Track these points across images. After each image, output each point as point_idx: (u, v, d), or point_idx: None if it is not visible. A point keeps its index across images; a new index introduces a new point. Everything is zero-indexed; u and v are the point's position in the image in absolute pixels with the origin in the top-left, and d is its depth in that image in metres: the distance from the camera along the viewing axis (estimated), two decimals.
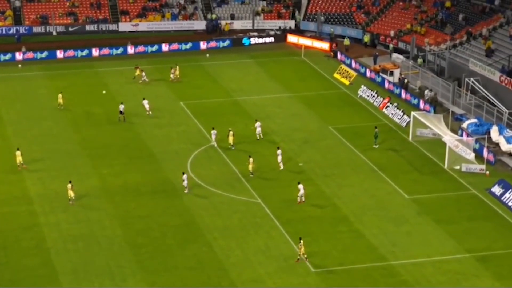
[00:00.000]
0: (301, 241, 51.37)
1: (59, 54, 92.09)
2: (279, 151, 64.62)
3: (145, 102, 75.33)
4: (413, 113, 71.80)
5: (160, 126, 73.39)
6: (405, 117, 74.42)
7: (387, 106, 77.63)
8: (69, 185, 58.35)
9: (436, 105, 77.10)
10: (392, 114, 76.42)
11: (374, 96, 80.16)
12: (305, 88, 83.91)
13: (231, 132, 68.53)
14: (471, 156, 65.35)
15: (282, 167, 64.37)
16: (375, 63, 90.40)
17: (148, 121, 74.18)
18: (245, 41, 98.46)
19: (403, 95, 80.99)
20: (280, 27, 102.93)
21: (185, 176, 60.44)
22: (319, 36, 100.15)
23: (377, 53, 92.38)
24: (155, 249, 53.33)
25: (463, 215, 58.61)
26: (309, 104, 79.55)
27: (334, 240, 54.97)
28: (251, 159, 63.73)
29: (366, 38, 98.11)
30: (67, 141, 69.76)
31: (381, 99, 79.10)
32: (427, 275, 51.02)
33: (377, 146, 69.03)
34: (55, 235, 54.82)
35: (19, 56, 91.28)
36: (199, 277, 50.43)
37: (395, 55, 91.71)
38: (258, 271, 51.08)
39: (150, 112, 74.91)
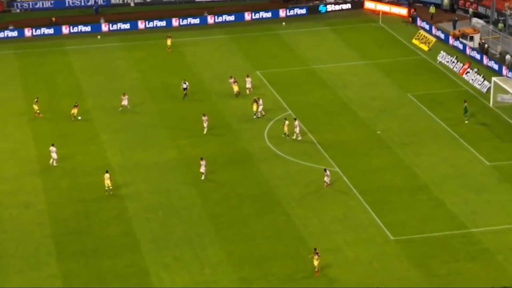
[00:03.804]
0: (317, 252, 48.08)
1: (138, 25, 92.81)
2: (296, 122, 63.92)
3: (125, 98, 70.82)
4: (493, 78, 70.40)
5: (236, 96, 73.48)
6: (486, 82, 72.98)
7: (467, 72, 76.20)
8: (107, 175, 57.08)
9: None
10: (472, 80, 75.01)
11: (453, 62, 78.76)
12: (383, 55, 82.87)
13: (259, 101, 68.21)
14: None
15: (300, 137, 63.88)
16: (454, 28, 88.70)
17: (225, 91, 74.28)
18: (321, 8, 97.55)
19: (484, 60, 79.37)
20: None
21: (203, 162, 58.77)
22: (397, 2, 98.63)
23: (456, 18, 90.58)
24: (232, 219, 53.74)
25: None
26: (386, 71, 78.60)
27: (413, 209, 54.50)
28: (286, 122, 63.78)
29: (445, 3, 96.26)
30: (145, 113, 70.48)
31: (461, 64, 77.66)
32: (509, 243, 50.29)
33: (467, 121, 66.68)
34: (135, 205, 55.71)
35: (97, 27, 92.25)
36: (276, 246, 50.66)
37: (475, 19, 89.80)
38: (336, 240, 51.05)
39: (121, 108, 70.39)
